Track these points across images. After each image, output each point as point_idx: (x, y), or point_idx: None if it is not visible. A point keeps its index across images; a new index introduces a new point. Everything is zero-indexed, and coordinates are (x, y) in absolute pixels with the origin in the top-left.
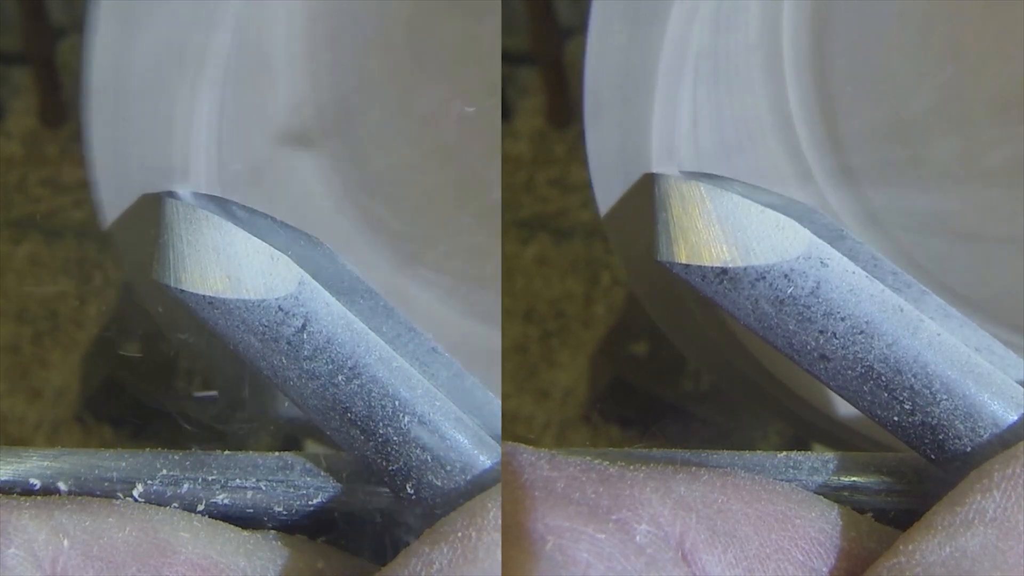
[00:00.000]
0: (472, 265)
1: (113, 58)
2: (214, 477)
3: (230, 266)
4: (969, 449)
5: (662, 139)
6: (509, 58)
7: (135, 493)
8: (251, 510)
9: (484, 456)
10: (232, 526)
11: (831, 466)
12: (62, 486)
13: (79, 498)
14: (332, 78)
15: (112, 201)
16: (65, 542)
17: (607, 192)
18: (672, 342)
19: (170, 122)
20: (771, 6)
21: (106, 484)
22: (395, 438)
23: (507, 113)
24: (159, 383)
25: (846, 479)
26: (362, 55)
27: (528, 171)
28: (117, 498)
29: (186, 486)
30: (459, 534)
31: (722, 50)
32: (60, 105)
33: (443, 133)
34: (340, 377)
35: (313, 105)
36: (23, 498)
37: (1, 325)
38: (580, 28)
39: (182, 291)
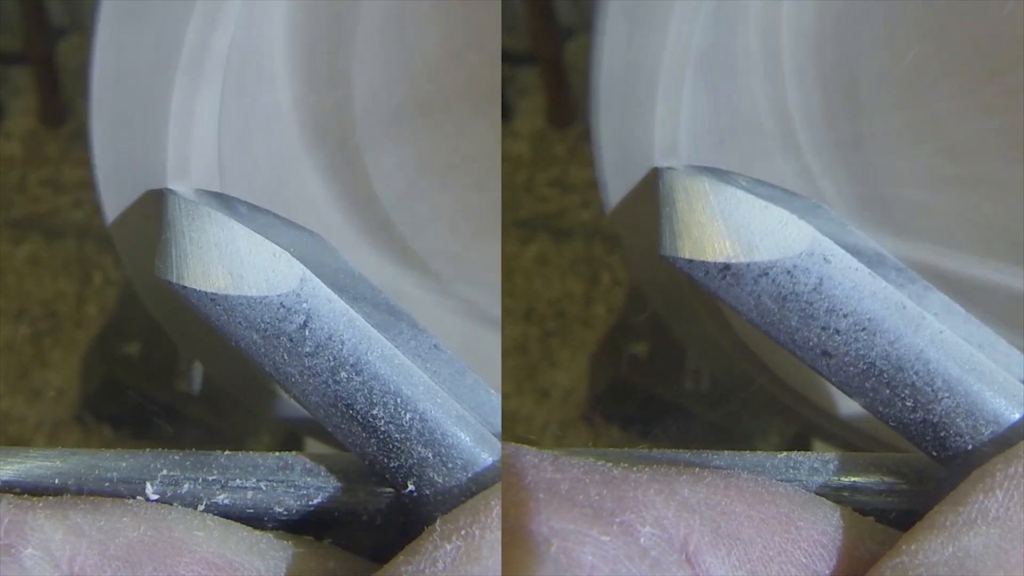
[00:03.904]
0: (472, 265)
1: (114, 56)
2: (214, 477)
3: (232, 263)
4: (970, 447)
5: (664, 136)
6: (509, 58)
7: (147, 492)
8: (251, 510)
9: (486, 454)
10: (243, 525)
11: (831, 466)
12: (62, 487)
13: (91, 498)
14: (331, 78)
15: (113, 198)
16: (82, 542)
17: (611, 188)
18: (675, 338)
19: (170, 120)
20: (771, 6)
21: (106, 484)
22: (396, 435)
23: (507, 113)
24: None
25: (846, 479)
26: (361, 55)
27: (528, 171)
28: (120, 497)
29: (186, 486)
30: (462, 532)
31: (722, 49)
32: (60, 105)
33: (443, 133)
34: (342, 374)
35: (312, 104)
36: (36, 498)
37: (1, 325)
38: (580, 28)
39: (184, 288)
